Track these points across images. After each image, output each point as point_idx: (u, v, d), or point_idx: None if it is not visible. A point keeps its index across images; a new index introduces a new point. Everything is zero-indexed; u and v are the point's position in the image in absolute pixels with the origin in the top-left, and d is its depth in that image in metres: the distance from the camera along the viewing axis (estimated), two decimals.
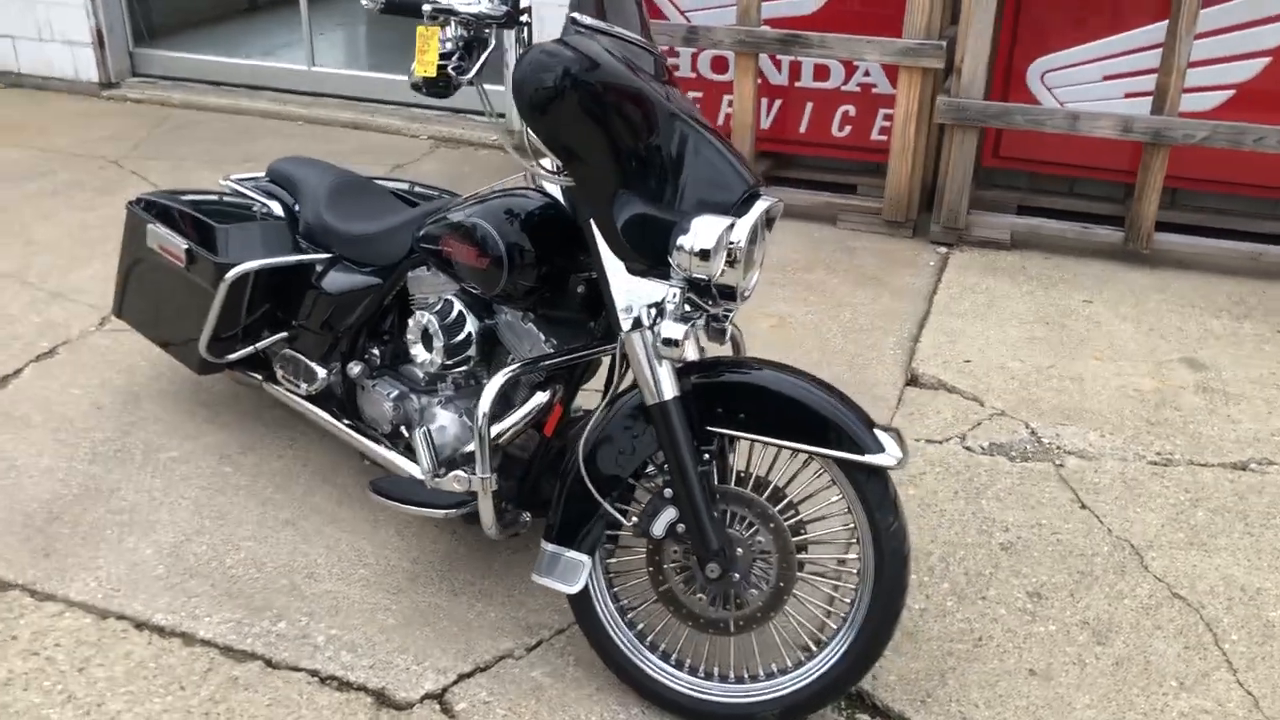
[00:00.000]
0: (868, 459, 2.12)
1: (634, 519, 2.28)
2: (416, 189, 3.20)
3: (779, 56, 4.86)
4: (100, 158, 5.52)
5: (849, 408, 2.19)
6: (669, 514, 2.23)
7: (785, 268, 4.43)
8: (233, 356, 3.00)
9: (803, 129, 5.04)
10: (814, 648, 2.29)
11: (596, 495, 2.25)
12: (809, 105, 4.99)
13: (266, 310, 2.99)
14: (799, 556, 2.27)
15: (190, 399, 3.41)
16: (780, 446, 2.18)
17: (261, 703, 2.32)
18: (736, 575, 2.23)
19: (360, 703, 2.34)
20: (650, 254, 2.12)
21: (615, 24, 2.24)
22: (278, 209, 3.02)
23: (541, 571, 2.33)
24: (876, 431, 2.16)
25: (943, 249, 4.63)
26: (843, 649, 2.23)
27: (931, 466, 3.14)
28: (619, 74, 2.06)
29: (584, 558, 2.30)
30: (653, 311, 2.17)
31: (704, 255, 2.04)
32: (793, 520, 2.28)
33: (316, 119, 6.17)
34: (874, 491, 2.17)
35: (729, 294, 2.19)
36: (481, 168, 5.52)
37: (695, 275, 2.09)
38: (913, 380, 3.62)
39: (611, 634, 2.34)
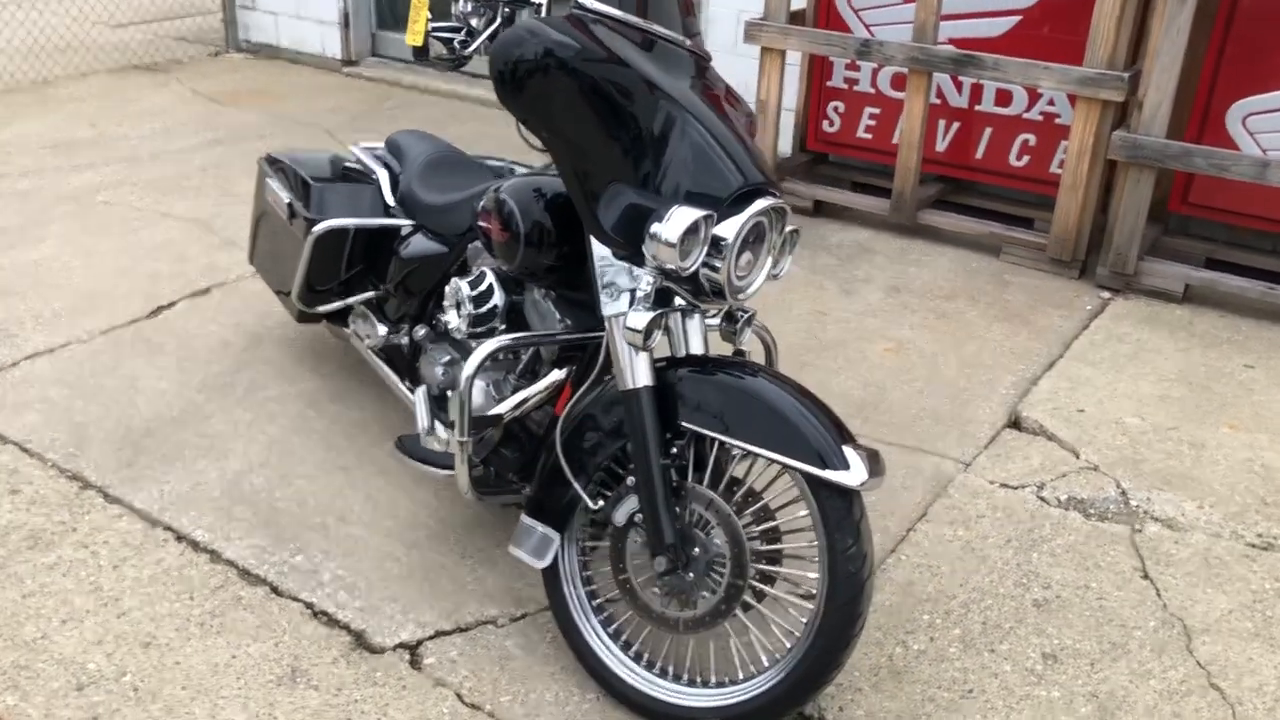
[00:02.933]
0: (827, 474, 2.04)
1: (600, 503, 2.28)
2: (518, 170, 3.30)
3: (960, 78, 4.68)
4: (319, 126, 5.99)
5: (824, 421, 2.11)
6: (630, 503, 2.22)
7: (925, 293, 4.27)
8: (323, 308, 3.21)
9: (979, 155, 4.82)
10: (764, 664, 2.22)
11: (568, 473, 2.27)
12: (988, 130, 4.77)
13: (360, 270, 3.17)
14: (759, 567, 2.21)
15: (304, 347, 3.66)
16: (744, 450, 2.13)
17: (252, 623, 2.48)
18: (690, 575, 2.20)
19: (338, 640, 2.46)
20: (626, 239, 2.12)
21: (656, 21, 2.25)
22: (383, 175, 3.20)
23: (516, 543, 2.37)
24: (846, 449, 2.07)
25: (1105, 294, 4.32)
26: (786, 670, 2.16)
27: (993, 511, 2.96)
28: (595, 55, 2.07)
29: (554, 534, 2.33)
30: (631, 297, 2.17)
31: (670, 245, 2.02)
32: (760, 529, 2.22)
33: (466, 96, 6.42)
34: (834, 510, 2.08)
35: (718, 291, 2.16)
36: None
37: (665, 266, 2.07)
38: (1014, 423, 3.42)
39: (574, 615, 2.36)
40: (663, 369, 2.22)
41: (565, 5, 2.17)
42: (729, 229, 2.10)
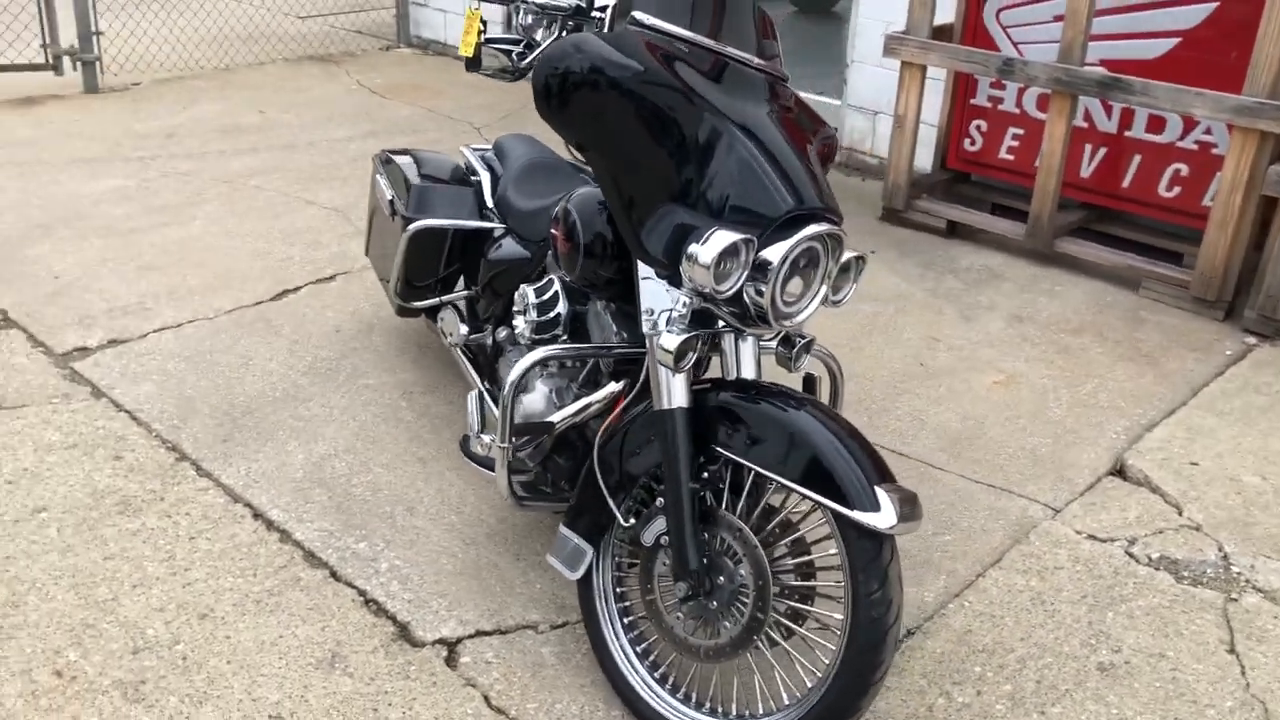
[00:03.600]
0: (855, 515, 1.97)
1: (633, 521, 2.26)
2: None
3: (1110, 102, 4.44)
4: (467, 123, 6.15)
5: (861, 459, 2.04)
6: (660, 524, 2.20)
7: (1050, 325, 4.07)
8: (419, 304, 3.29)
9: (1126, 183, 4.56)
10: (784, 701, 2.16)
11: (602, 487, 2.26)
12: (1137, 158, 4.51)
13: (456, 269, 3.24)
14: (790, 603, 2.15)
15: (409, 339, 3.77)
16: (774, 481, 2.08)
17: (305, 605, 2.57)
18: (714, 603, 2.16)
19: (382, 630, 2.52)
20: (668, 258, 2.09)
21: (726, 41, 2.21)
22: (485, 178, 3.26)
23: (553, 552, 2.38)
24: (880, 490, 2.00)
25: (1250, 339, 4.03)
26: (803, 711, 2.10)
27: (1074, 563, 2.80)
28: (642, 73, 2.04)
29: (587, 547, 2.32)
30: (669, 318, 2.14)
31: (705, 267, 1.99)
32: (792, 564, 2.16)
33: None
34: (862, 551, 2.01)
35: (764, 316, 2.11)
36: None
37: (701, 288, 2.04)
38: (1118, 470, 3.22)
39: (604, 630, 2.35)
40: (705, 391, 2.19)
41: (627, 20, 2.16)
42: (775, 253, 2.05)
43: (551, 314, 2.60)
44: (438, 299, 3.27)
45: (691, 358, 2.11)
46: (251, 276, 4.18)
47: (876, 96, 5.52)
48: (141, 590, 2.59)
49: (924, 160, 5.23)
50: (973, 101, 4.91)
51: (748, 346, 2.28)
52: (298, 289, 4.12)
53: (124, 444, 3.13)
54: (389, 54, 7.63)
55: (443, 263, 3.23)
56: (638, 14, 2.14)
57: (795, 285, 2.14)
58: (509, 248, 3.01)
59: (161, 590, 2.59)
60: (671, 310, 2.14)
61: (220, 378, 3.49)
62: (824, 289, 2.21)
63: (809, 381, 2.55)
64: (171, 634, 2.46)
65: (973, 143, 4.96)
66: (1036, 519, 2.99)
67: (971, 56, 4.52)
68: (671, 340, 2.07)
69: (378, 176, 3.40)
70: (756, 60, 2.23)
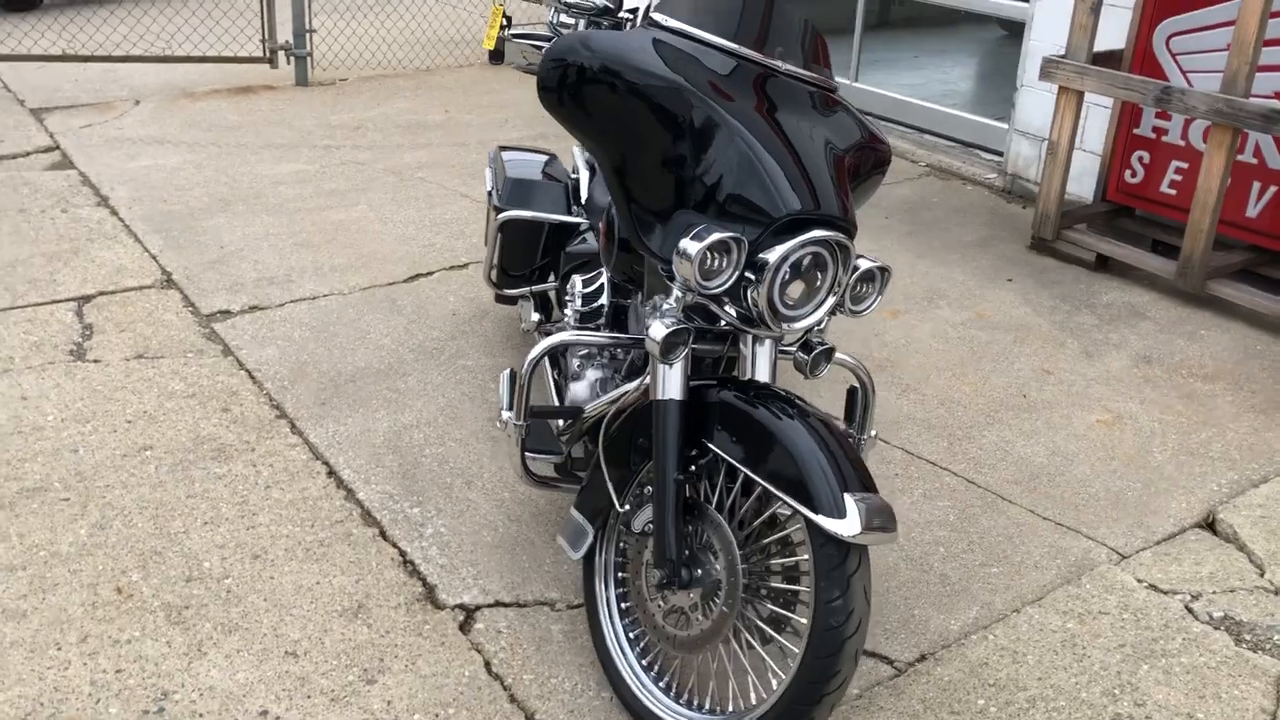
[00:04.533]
0: (819, 519, 1.97)
1: (627, 507, 2.32)
2: None
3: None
4: None
5: (838, 466, 2.03)
6: (648, 512, 2.25)
7: (1181, 369, 3.85)
8: (509, 291, 3.45)
9: None
10: (752, 701, 2.17)
11: (604, 471, 2.33)
12: None
13: (550, 260, 3.38)
14: (770, 606, 2.16)
15: (515, 327, 3.94)
16: (751, 479, 2.10)
17: (348, 558, 2.76)
18: (690, 595, 2.19)
19: (410, 589, 2.67)
20: (661, 253, 2.14)
21: (787, 55, 2.24)
22: (584, 177, 3.38)
23: (561, 531, 2.47)
24: (849, 497, 1.99)
25: None
26: (762, 714, 2.10)
27: (1122, 610, 2.66)
28: (647, 72, 2.10)
29: (589, 528, 2.40)
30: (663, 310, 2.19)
31: (690, 261, 2.03)
32: (773, 565, 2.17)
33: None
34: (826, 557, 2.01)
35: (761, 318, 2.14)
36: (950, 201, 5.40)
37: (689, 283, 2.08)
38: (1208, 523, 3.03)
39: (599, 612, 2.42)
40: (708, 387, 2.22)
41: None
42: (773, 255, 2.08)
43: (595, 305, 2.69)
44: (528, 288, 3.42)
45: (682, 351, 2.15)
46: (392, 259, 4.46)
47: (1045, 123, 5.32)
48: (210, 528, 2.83)
49: (1082, 190, 5.03)
50: (1136, 131, 4.68)
51: (764, 350, 2.30)
52: (430, 274, 4.36)
53: (235, 398, 3.42)
54: None
55: (538, 254, 3.38)
56: (656, 15, 2.20)
57: (796, 289, 2.15)
58: (585, 243, 3.12)
59: (227, 529, 2.83)
60: (666, 303, 2.19)
61: (336, 348, 3.76)
62: (832, 298, 2.20)
63: (850, 394, 2.55)
64: (224, 569, 2.69)
65: (1134, 174, 4.73)
66: (1097, 562, 2.85)
67: (1129, 83, 4.32)
68: (659, 330, 2.11)
69: (488, 169, 3.58)
70: (784, 66, 2.26)
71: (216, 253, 4.44)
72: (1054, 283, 4.53)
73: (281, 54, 6.84)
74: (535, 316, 3.20)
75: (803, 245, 2.09)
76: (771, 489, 2.05)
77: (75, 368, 3.53)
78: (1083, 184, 5.07)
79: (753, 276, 2.11)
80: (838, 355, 2.46)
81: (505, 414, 2.47)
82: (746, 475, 2.10)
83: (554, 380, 3.08)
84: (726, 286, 2.09)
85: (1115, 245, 4.62)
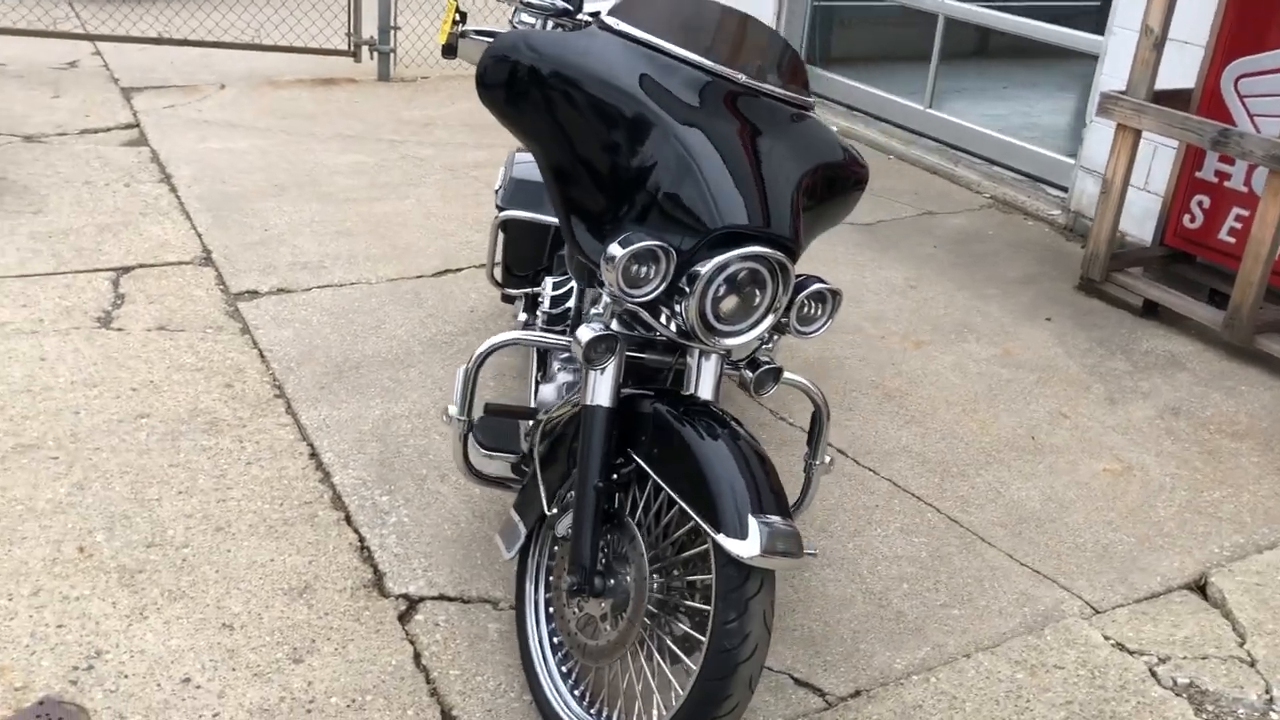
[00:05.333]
0: (719, 537, 1.94)
1: (554, 510, 2.31)
2: None
3: None
4: None
5: (751, 488, 1.99)
6: (570, 518, 2.24)
7: (1209, 425, 3.68)
8: (513, 291, 3.46)
9: None
10: (652, 717, 2.14)
11: (538, 473, 2.33)
12: None
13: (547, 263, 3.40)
14: (682, 626, 2.13)
15: None
16: (665, 491, 2.07)
17: (308, 539, 2.80)
18: (603, 605, 2.17)
19: (360, 575, 2.70)
20: (593, 257, 2.13)
21: (750, 69, 2.23)
22: None
23: (499, 530, 2.47)
24: (754, 519, 1.95)
25: None
26: None
27: (1080, 667, 2.55)
28: (582, 74, 2.09)
29: (522, 529, 2.39)
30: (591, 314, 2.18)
31: (614, 268, 2.01)
32: (677, 583, 2.14)
33: (903, 155, 6.31)
34: (726, 578, 1.97)
35: (693, 331, 2.11)
36: (1006, 235, 5.26)
37: (611, 289, 2.06)
38: (1199, 586, 2.89)
39: (526, 613, 2.42)
40: (642, 397, 2.20)
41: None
42: (704, 266, 2.05)
43: (562, 308, 2.69)
44: (531, 289, 3.43)
45: (609, 358, 2.14)
46: (426, 253, 4.53)
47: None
48: (183, 497, 2.91)
49: (1148, 232, 4.85)
50: (1198, 174, 4.50)
51: (709, 365, 2.27)
52: (459, 270, 4.41)
53: (240, 375, 3.51)
54: None
55: (545, 254, 3.39)
56: (608, 19, 2.19)
57: (730, 304, 2.12)
58: None
59: (199, 500, 2.90)
60: (596, 308, 2.18)
61: (349, 334, 3.83)
62: (771, 316, 2.16)
63: (814, 419, 2.51)
64: (186, 538, 2.76)
65: (1193, 219, 4.54)
66: (1066, 614, 2.74)
67: (1186, 123, 4.15)
68: (585, 334, 2.11)
69: (501, 169, 3.61)
70: (742, 78, 2.23)
71: (259, 235, 4.56)
72: (1094, 325, 4.37)
73: (365, 49, 7.01)
74: (522, 317, 3.22)
75: (736, 260, 2.06)
76: (681, 503, 2.02)
77: (97, 334, 3.66)
78: (1145, 226, 4.89)
79: (687, 288, 2.08)
80: (789, 376, 2.42)
81: (451, 409, 2.48)
82: (662, 488, 2.08)
83: (535, 380, 3.09)
84: (653, 296, 2.07)
85: (1164, 291, 4.44)
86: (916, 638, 2.63)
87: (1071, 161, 5.46)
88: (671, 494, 2.04)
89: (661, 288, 2.07)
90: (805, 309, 2.26)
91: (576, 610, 2.25)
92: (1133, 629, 2.70)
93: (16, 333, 3.62)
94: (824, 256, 4.83)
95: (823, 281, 2.26)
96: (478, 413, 2.58)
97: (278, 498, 2.95)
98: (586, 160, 2.14)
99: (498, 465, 2.69)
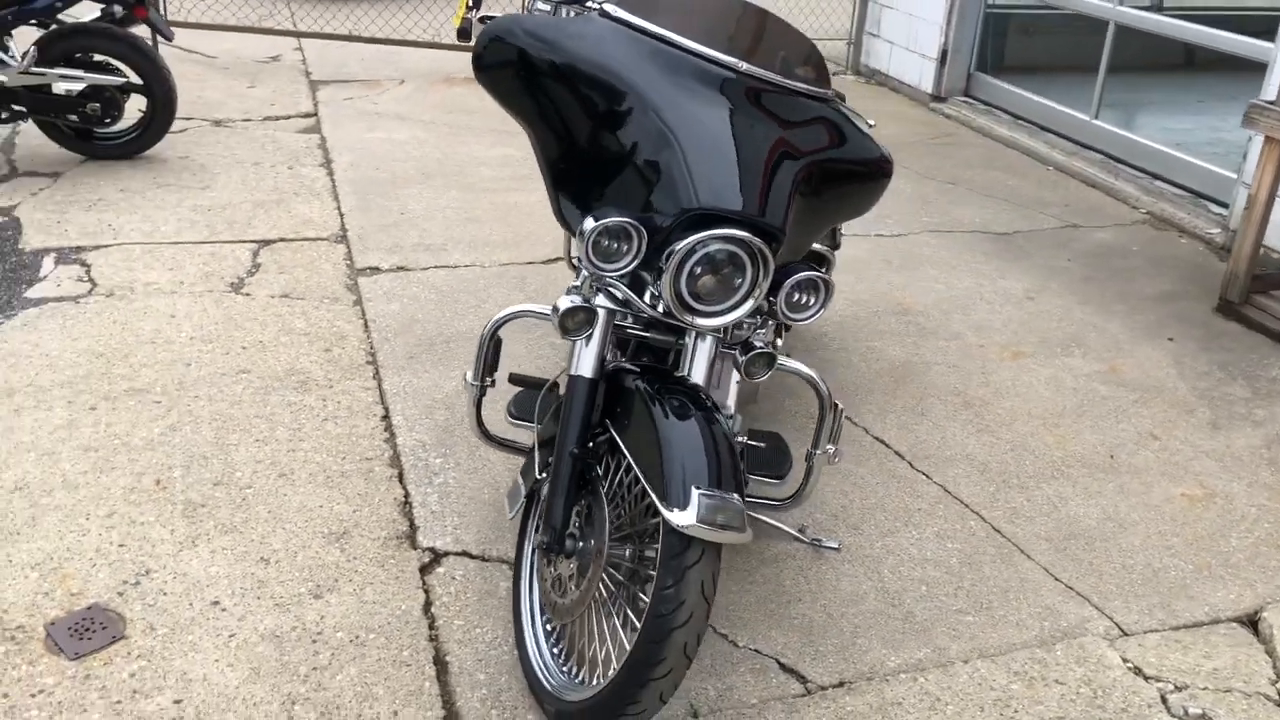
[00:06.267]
0: (661, 505, 2.01)
1: (544, 475, 2.41)
2: None
3: None
4: None
5: (704, 461, 2.05)
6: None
7: None
8: None
9: None
10: (607, 676, 2.21)
11: (537, 440, 2.44)
12: None
13: None
14: (642, 592, 2.20)
15: None
16: (628, 463, 2.15)
17: (359, 490, 3.01)
18: (571, 565, 2.27)
19: (396, 527, 2.89)
20: (571, 228, 2.23)
21: (756, 58, 2.29)
22: None
23: (507, 491, 2.60)
24: (698, 491, 2.01)
25: None
26: (597, 691, 2.15)
27: (1083, 686, 2.46)
28: (573, 59, 2.18)
29: (523, 491, 2.51)
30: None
31: (582, 241, 2.11)
32: (635, 551, 2.21)
33: (1063, 166, 6.08)
34: (668, 546, 2.04)
35: (669, 310, 2.19)
36: (1152, 251, 5.01)
37: (583, 261, 2.15)
38: (1250, 620, 2.73)
39: (522, 569, 2.53)
40: (628, 372, 2.29)
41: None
42: (679, 245, 2.12)
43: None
44: None
45: (587, 329, 2.23)
46: (543, 241, 4.72)
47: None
48: (259, 445, 3.18)
49: None
50: None
51: (704, 346, 2.34)
52: (551, 261, 4.58)
53: (341, 342, 3.78)
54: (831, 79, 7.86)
55: None
56: (608, 6, 2.28)
57: (707, 285, 2.17)
58: None
59: (271, 449, 3.16)
60: (575, 280, 2.28)
61: (450, 312, 4.05)
62: (751, 301, 2.20)
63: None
64: (250, 480, 3.02)
65: None
66: (1087, 632, 2.64)
67: None
68: (564, 303, 2.21)
69: None
70: (743, 66, 2.28)
71: (395, 217, 4.87)
72: (1222, 349, 4.13)
73: None
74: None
75: (711, 240, 2.12)
76: (638, 471, 2.09)
77: (226, 298, 4.01)
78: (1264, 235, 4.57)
79: (664, 266, 2.15)
80: (790, 364, 2.45)
81: (468, 374, 2.63)
82: (625, 457, 2.15)
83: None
84: (624, 271, 2.16)
85: None
86: (919, 639, 2.60)
87: (1234, 176, 5.14)
88: (633, 463, 2.12)
89: (634, 264, 2.15)
90: (795, 296, 2.29)
91: (552, 569, 2.35)
92: (1157, 655, 2.57)
93: (158, 292, 4.01)
94: (945, 262, 4.74)
95: (814, 269, 2.28)
96: (502, 382, 2.72)
97: (342, 452, 3.17)
98: (574, 138, 2.24)
99: (523, 433, 2.81)
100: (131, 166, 5.18)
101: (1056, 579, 2.83)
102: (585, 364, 2.27)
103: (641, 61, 2.23)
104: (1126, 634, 2.65)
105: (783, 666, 2.50)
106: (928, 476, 3.23)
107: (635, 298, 2.26)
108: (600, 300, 2.29)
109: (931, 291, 4.47)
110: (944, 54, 7.10)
